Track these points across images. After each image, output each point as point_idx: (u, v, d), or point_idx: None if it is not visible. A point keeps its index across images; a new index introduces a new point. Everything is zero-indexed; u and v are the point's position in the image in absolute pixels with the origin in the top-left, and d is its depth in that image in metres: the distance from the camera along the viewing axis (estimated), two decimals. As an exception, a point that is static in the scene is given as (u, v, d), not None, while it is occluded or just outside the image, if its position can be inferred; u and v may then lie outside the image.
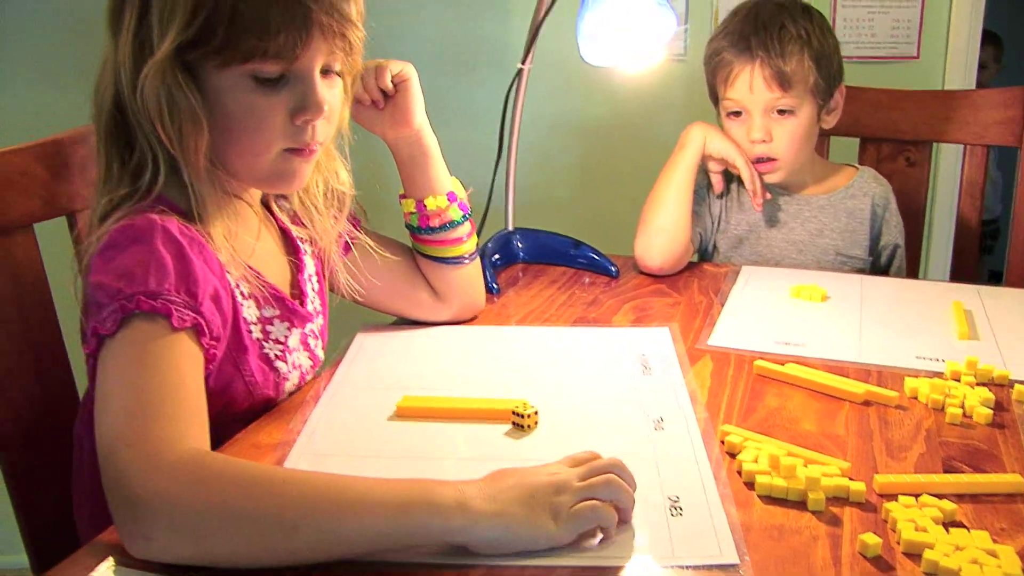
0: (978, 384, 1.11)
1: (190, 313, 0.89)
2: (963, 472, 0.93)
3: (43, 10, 2.25)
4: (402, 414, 1.03)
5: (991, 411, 1.04)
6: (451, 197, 1.25)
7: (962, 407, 1.05)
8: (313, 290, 1.15)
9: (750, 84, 1.55)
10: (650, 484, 0.89)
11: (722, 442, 0.98)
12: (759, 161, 1.60)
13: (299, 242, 1.14)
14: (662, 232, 1.54)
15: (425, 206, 1.23)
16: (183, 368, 0.87)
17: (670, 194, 1.56)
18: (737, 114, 1.60)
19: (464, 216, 1.26)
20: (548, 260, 1.60)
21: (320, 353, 1.15)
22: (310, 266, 1.15)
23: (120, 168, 0.98)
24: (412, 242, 1.28)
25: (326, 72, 1.00)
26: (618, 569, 0.77)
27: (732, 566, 0.77)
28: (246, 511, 0.75)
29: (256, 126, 0.97)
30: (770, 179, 1.62)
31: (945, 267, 2.27)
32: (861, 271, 1.64)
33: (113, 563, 0.77)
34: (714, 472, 0.91)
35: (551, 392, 1.09)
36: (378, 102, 1.19)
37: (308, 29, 0.94)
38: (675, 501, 0.86)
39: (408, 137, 1.21)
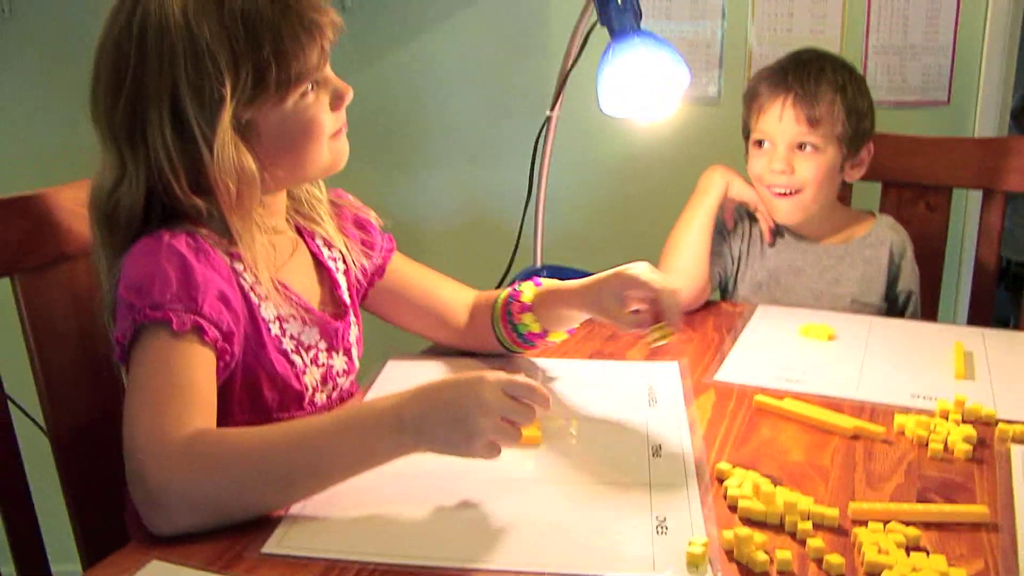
0: (964, 422, 1.17)
1: (191, 316, 1.01)
2: (934, 502, 1.00)
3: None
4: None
5: (971, 447, 1.11)
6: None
7: (944, 443, 1.12)
8: (347, 303, 1.27)
9: (780, 115, 1.62)
10: (641, 504, 0.98)
11: (713, 470, 1.06)
12: (780, 195, 1.66)
13: (329, 262, 1.26)
14: (680, 273, 1.62)
15: (547, 334, 1.32)
16: (189, 366, 1.00)
17: (690, 237, 1.64)
18: (761, 144, 1.67)
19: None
20: (573, 296, 1.68)
21: (356, 360, 1.27)
22: (342, 283, 1.27)
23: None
24: (498, 322, 1.34)
25: None
26: (600, 578, 0.86)
27: (705, 580, 0.86)
28: (249, 478, 0.93)
29: (315, 130, 1.12)
30: (789, 220, 1.69)
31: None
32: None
33: (157, 565, 0.87)
34: (701, 496, 1.00)
35: (561, 419, 1.18)
36: None
37: (323, 35, 1.09)
38: (662, 521, 0.95)
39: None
